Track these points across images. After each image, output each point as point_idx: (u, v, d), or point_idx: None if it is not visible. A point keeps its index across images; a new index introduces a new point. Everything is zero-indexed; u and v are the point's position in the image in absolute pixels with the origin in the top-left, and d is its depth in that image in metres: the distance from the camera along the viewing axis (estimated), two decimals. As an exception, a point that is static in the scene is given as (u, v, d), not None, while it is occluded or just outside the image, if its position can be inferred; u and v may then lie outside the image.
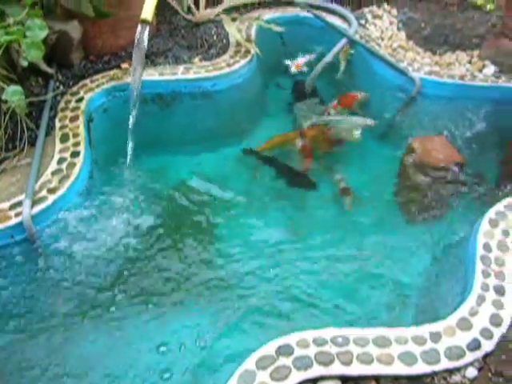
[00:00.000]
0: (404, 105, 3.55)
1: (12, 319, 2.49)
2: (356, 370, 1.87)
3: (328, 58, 3.75)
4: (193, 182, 3.26)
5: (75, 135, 2.89)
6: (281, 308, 2.59)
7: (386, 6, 4.36)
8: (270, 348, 1.89)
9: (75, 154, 2.78)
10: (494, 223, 2.41)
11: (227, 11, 3.82)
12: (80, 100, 3.11)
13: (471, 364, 1.93)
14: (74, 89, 3.20)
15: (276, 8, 4.13)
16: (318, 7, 4.15)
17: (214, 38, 3.70)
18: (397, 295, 2.65)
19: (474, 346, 1.96)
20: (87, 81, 3.26)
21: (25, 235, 2.53)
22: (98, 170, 2.96)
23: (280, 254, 2.88)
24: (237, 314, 2.55)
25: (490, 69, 3.67)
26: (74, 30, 3.25)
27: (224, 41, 3.68)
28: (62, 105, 3.08)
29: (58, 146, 2.83)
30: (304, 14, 4.05)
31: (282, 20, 3.97)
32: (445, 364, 1.91)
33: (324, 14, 4.06)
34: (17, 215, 2.51)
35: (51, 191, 2.61)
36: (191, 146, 3.42)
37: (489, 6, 4.46)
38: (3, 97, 2.71)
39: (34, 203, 2.55)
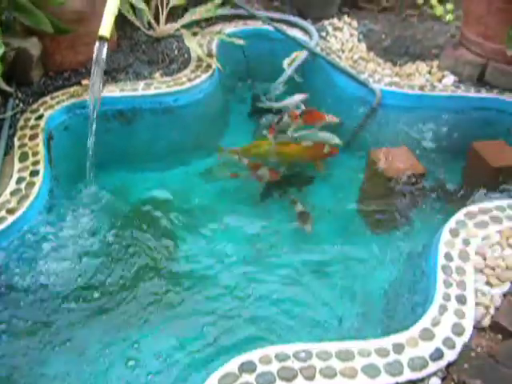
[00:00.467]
0: (365, 116, 3.57)
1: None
2: (319, 384, 1.87)
3: (289, 71, 3.77)
4: (155, 198, 3.23)
5: (34, 154, 2.85)
6: (244, 324, 2.57)
7: (346, 18, 4.41)
8: (232, 365, 1.87)
9: (34, 173, 2.74)
10: (454, 232, 2.43)
11: (188, 26, 3.81)
12: (40, 117, 3.07)
13: (434, 374, 1.94)
14: (34, 106, 3.16)
15: (237, 22, 4.15)
16: (280, 20, 4.17)
17: (176, 52, 3.69)
18: (360, 307, 2.65)
19: (437, 355, 1.97)
20: (47, 98, 3.22)
21: (-17, 256, 2.48)
22: (58, 189, 2.91)
23: (243, 269, 2.86)
24: (198, 331, 2.53)
25: (450, 79, 3.72)
26: (33, 46, 3.22)
27: (185, 55, 3.68)
28: (21, 123, 3.04)
29: (17, 165, 2.78)
30: (265, 27, 4.06)
31: (243, 34, 3.98)
32: (408, 375, 1.91)
33: (285, 27, 4.08)
34: (-24, 237, 2.46)
35: (10, 212, 2.55)
36: (153, 162, 3.40)
37: (448, 17, 4.53)
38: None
39: (-6, 224, 2.50)
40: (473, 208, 2.57)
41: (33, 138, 2.94)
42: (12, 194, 2.64)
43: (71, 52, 3.38)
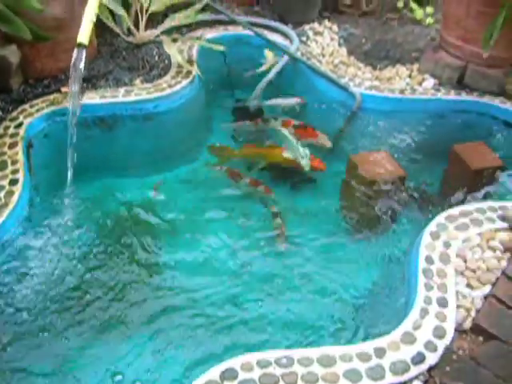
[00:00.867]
0: (346, 120, 3.59)
1: None
2: (301, 390, 1.86)
3: (270, 75, 3.77)
4: (136, 205, 3.20)
5: (14, 162, 2.82)
6: (225, 331, 2.56)
7: (327, 22, 4.42)
8: (214, 373, 1.86)
9: (14, 182, 2.71)
10: (435, 235, 2.44)
11: (168, 32, 3.80)
12: (19, 126, 3.05)
13: (416, 377, 1.94)
14: (13, 114, 3.13)
15: (218, 27, 4.14)
16: (260, 25, 4.17)
17: (156, 58, 3.68)
18: (342, 312, 2.64)
19: (419, 359, 1.97)
20: (27, 105, 3.19)
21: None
22: (38, 197, 2.89)
23: (224, 277, 2.85)
24: (179, 339, 2.52)
25: (430, 82, 3.74)
26: (12, 54, 3.19)
27: (166, 61, 3.66)
28: (0, 131, 3.01)
29: (-4, 174, 2.77)
30: (246, 32, 4.06)
31: (224, 39, 3.98)
32: (390, 379, 1.91)
33: (266, 32, 4.08)
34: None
35: (-11, 221, 2.54)
36: (135, 169, 3.38)
37: (428, 20, 4.56)
38: None
39: (-27, 234, 2.48)
40: (453, 211, 2.58)
41: (12, 146, 2.92)
42: (-9, 203, 2.62)
43: (51, 59, 3.35)
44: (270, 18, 4.33)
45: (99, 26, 3.47)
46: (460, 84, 3.72)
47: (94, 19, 2.95)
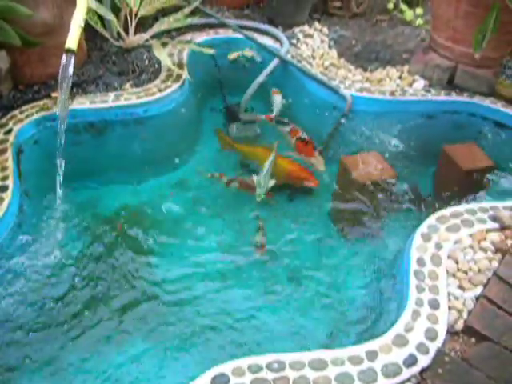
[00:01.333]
0: (337, 122, 3.58)
1: None
2: (293, 394, 1.86)
3: (260, 78, 3.76)
4: (127, 210, 3.20)
5: (3, 169, 2.80)
6: (220, 335, 2.56)
7: (317, 24, 4.42)
8: (205, 379, 1.86)
9: (3, 189, 2.69)
10: (426, 237, 2.44)
11: (158, 36, 3.80)
12: (9, 132, 3.03)
13: (408, 380, 1.94)
14: (3, 120, 3.11)
15: (208, 31, 4.14)
16: (250, 28, 4.17)
17: (146, 63, 3.67)
18: (333, 315, 2.65)
19: (411, 361, 1.97)
20: (16, 112, 3.17)
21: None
22: (28, 204, 2.87)
23: (216, 281, 2.85)
24: (171, 343, 2.52)
25: (420, 83, 3.74)
26: (1, 60, 3.18)
27: (156, 65, 3.65)
28: (-11, 138, 3.01)
29: (-14, 181, 2.76)
30: (236, 35, 4.06)
31: (214, 42, 3.98)
32: (382, 382, 1.91)
33: (256, 35, 4.08)
34: None
35: (-22, 229, 2.53)
36: (126, 174, 3.36)
37: (418, 21, 4.57)
38: None
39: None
40: (444, 212, 2.59)
41: (2, 152, 2.90)
42: (-20, 210, 2.61)
43: (41, 65, 3.34)
44: (260, 21, 4.32)
45: (89, 31, 3.47)
46: (450, 85, 3.73)
47: (83, 24, 2.93)
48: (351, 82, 3.71)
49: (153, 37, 3.76)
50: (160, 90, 3.40)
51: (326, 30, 4.38)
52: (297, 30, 4.31)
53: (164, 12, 3.87)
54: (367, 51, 4.16)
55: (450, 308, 2.16)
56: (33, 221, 2.88)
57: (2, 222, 2.59)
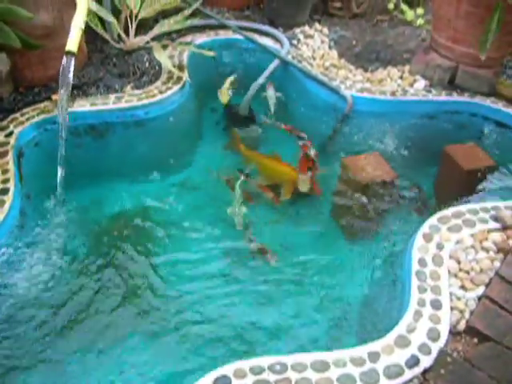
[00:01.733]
0: (338, 123, 3.58)
1: None
2: (295, 396, 1.86)
3: (260, 79, 3.76)
4: (128, 213, 3.20)
5: (4, 172, 2.81)
6: (222, 338, 2.55)
7: (317, 25, 4.42)
8: (206, 381, 1.85)
9: (4, 192, 2.70)
10: (428, 237, 2.44)
11: (159, 38, 3.80)
12: (9, 135, 3.04)
13: (410, 381, 1.93)
14: (4, 123, 3.12)
15: (209, 32, 4.14)
16: (251, 29, 4.18)
17: (147, 65, 3.67)
18: (335, 316, 2.65)
19: (413, 362, 1.97)
20: (17, 114, 3.18)
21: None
22: (30, 207, 2.88)
23: (218, 283, 2.84)
24: (172, 346, 2.52)
25: (421, 83, 3.74)
26: (1, 62, 3.19)
27: (156, 67, 3.65)
28: (-10, 141, 3.01)
29: (-13, 183, 2.76)
30: (237, 36, 4.06)
31: (214, 44, 4.00)
32: (384, 383, 1.90)
33: (257, 36, 4.08)
34: None
35: (-20, 232, 2.53)
36: (127, 176, 3.37)
37: (418, 21, 4.56)
38: None
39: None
40: (446, 212, 2.58)
41: (2, 155, 2.90)
42: (-19, 213, 2.61)
43: (41, 67, 3.35)
44: (261, 22, 4.33)
45: (89, 33, 3.47)
46: (451, 85, 3.72)
47: (83, 27, 2.95)
48: (352, 83, 3.71)
49: (153, 39, 3.76)
50: (161, 92, 3.40)
51: (326, 30, 4.38)
52: (297, 30, 4.31)
53: (164, 14, 3.88)
54: (368, 51, 4.16)
55: (452, 308, 2.15)
56: (34, 223, 2.88)
57: (3, 224, 2.59)
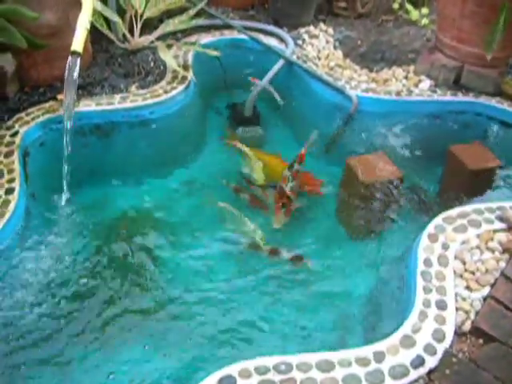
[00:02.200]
0: (343, 123, 3.58)
1: None
2: (301, 396, 1.85)
3: (265, 80, 3.76)
4: (134, 213, 3.21)
5: (10, 171, 2.81)
6: (226, 336, 2.56)
7: (322, 25, 4.41)
8: (211, 380, 1.86)
9: (10, 191, 2.70)
10: (433, 237, 2.43)
11: (164, 37, 3.80)
12: (15, 134, 3.04)
13: (416, 381, 1.93)
14: (9, 123, 3.12)
15: (214, 32, 4.14)
16: (255, 29, 4.17)
17: (152, 64, 3.67)
18: (341, 315, 2.64)
19: (418, 362, 1.96)
20: (23, 114, 3.18)
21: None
22: (35, 206, 2.88)
23: (222, 283, 2.85)
24: (177, 346, 2.52)
25: (426, 83, 3.73)
26: (7, 62, 3.19)
27: (161, 67, 3.65)
28: (-5, 140, 3.02)
29: (-8, 183, 2.76)
30: (242, 36, 4.06)
31: (219, 44, 3.99)
32: (389, 383, 1.90)
33: (261, 36, 4.08)
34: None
35: (-15, 232, 2.53)
36: (132, 176, 3.38)
37: (423, 21, 4.56)
38: None
39: (-31, 246, 2.47)
40: (451, 212, 2.57)
41: (8, 155, 2.91)
42: (-13, 213, 2.61)
43: (47, 67, 3.35)
44: (265, 22, 4.32)
45: (94, 33, 3.47)
46: (456, 85, 3.71)
47: (88, 26, 2.95)
48: (357, 83, 3.70)
49: (158, 38, 3.76)
50: (166, 92, 3.40)
51: (331, 30, 4.38)
52: (302, 30, 4.30)
53: (169, 14, 3.86)
54: (373, 51, 4.15)
55: (457, 309, 2.15)
56: (39, 222, 2.88)
57: (8, 224, 2.59)
